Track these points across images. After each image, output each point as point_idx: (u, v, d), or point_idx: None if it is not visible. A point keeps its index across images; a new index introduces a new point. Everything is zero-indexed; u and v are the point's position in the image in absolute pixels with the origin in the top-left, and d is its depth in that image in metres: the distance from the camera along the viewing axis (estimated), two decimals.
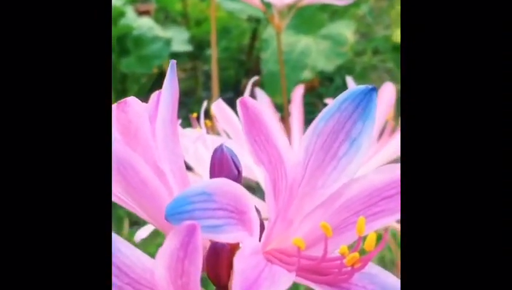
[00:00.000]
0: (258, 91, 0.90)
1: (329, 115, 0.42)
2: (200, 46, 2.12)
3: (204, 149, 0.69)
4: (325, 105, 0.43)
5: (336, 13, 2.03)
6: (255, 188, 0.75)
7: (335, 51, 1.87)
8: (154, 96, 0.47)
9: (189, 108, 1.72)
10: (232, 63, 2.18)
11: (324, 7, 1.93)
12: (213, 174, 0.43)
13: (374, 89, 0.42)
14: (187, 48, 2.04)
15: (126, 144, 0.42)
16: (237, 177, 0.43)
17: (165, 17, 2.31)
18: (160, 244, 0.36)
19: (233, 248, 0.39)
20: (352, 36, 1.90)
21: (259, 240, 0.39)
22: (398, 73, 1.98)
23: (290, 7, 1.27)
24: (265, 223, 0.42)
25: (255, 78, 0.85)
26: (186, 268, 0.35)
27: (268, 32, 1.90)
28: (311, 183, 0.42)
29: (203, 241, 0.40)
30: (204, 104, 0.76)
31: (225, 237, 0.37)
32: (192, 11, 2.16)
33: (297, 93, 0.89)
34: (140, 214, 0.44)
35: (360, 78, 2.06)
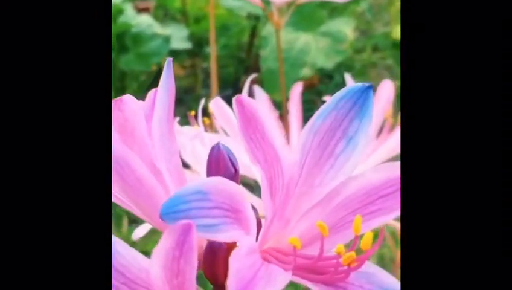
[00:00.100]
0: (257, 89, 0.90)
1: (326, 113, 0.41)
2: (199, 43, 2.12)
3: (202, 147, 0.69)
4: (324, 102, 0.43)
5: (335, 10, 2.03)
6: (253, 186, 0.74)
7: (334, 48, 1.87)
8: (150, 94, 0.47)
9: (188, 105, 1.72)
10: (231, 60, 2.18)
11: (323, 4, 1.92)
12: (210, 172, 0.43)
13: (371, 87, 0.42)
14: (186, 45, 2.03)
15: (122, 143, 0.42)
16: (234, 176, 0.42)
17: (164, 15, 2.31)
18: (158, 242, 0.36)
19: (230, 246, 0.39)
20: (351, 33, 1.90)
21: (256, 239, 0.39)
22: (398, 70, 1.98)
23: (289, 4, 1.27)
24: (263, 221, 0.42)
25: (253, 75, 0.85)
26: (181, 267, 0.34)
27: (267, 30, 1.89)
28: (308, 182, 0.42)
29: (199, 240, 0.40)
30: (202, 101, 0.75)
31: (221, 236, 0.37)
32: (192, 9, 2.16)
33: (296, 91, 0.89)
34: (137, 212, 0.44)
35: (359, 76, 2.06)
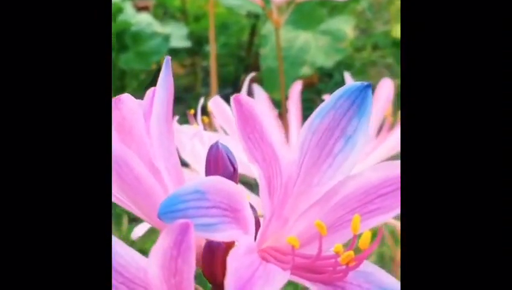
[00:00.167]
0: (256, 87, 0.90)
1: (324, 112, 0.41)
2: (199, 42, 2.11)
3: (201, 146, 0.69)
4: (323, 101, 0.43)
5: (335, 9, 2.03)
6: (252, 185, 0.74)
7: (334, 47, 1.86)
8: (149, 92, 0.47)
9: (187, 104, 1.72)
10: (231, 59, 2.18)
11: (323, 2, 1.92)
12: (208, 171, 0.43)
13: (369, 86, 0.42)
14: (186, 43, 2.03)
15: (121, 141, 0.42)
16: (233, 174, 0.42)
17: (163, 13, 2.30)
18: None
19: (229, 246, 0.39)
20: (351, 32, 1.90)
21: (255, 238, 0.39)
22: (397, 69, 1.98)
23: (288, 2, 1.27)
24: (261, 220, 0.41)
25: (252, 74, 0.85)
26: (179, 267, 0.34)
27: (267, 28, 1.89)
28: (307, 181, 0.42)
29: (198, 239, 0.40)
30: (201, 100, 0.75)
31: (219, 236, 0.36)
32: (191, 7, 2.16)
33: (295, 90, 0.89)
34: (136, 211, 0.44)
35: (359, 74, 2.06)
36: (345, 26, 1.89)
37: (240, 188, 0.40)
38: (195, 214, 0.35)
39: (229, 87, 1.95)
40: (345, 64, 1.97)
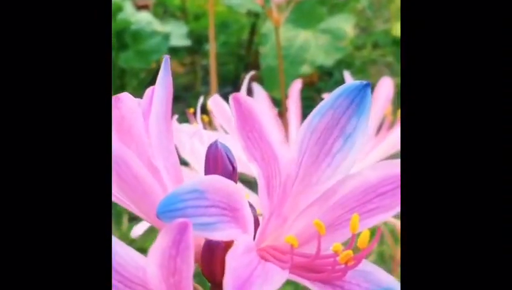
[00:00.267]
0: (255, 86, 0.90)
1: (323, 111, 0.41)
2: (198, 40, 2.11)
3: (201, 145, 0.68)
4: (323, 100, 0.43)
5: (335, 7, 2.03)
6: (252, 183, 0.74)
7: (334, 45, 1.86)
8: (148, 91, 0.47)
9: (187, 103, 1.72)
10: (231, 57, 2.18)
11: (323, 1, 1.92)
12: (208, 170, 0.43)
13: (368, 85, 0.42)
14: (186, 42, 2.03)
15: (120, 140, 0.42)
16: (232, 173, 0.42)
17: (163, 12, 2.30)
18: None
19: (228, 245, 0.39)
20: (351, 30, 1.90)
21: (254, 237, 0.39)
22: (398, 67, 1.98)
23: (288, 1, 1.26)
24: (261, 219, 0.41)
25: (252, 73, 0.85)
26: (178, 266, 0.34)
27: (267, 27, 1.89)
28: (306, 180, 0.41)
29: (197, 238, 0.40)
30: (201, 99, 0.75)
31: (218, 235, 0.36)
32: (191, 6, 2.16)
33: (295, 89, 0.89)
34: (135, 211, 0.44)
35: (359, 73, 2.06)
36: (345, 24, 1.89)
37: (239, 187, 0.40)
38: (194, 213, 0.35)
39: (229, 86, 1.95)
40: (345, 63, 1.97)
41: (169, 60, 0.44)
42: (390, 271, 0.88)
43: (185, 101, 1.84)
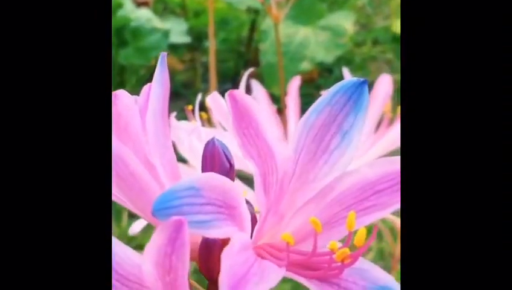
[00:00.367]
0: (254, 83, 0.89)
1: (320, 108, 0.41)
2: (198, 37, 2.11)
3: (199, 142, 0.68)
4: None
5: (335, 4, 2.02)
6: (250, 180, 0.74)
7: (334, 42, 1.86)
8: (145, 88, 0.47)
9: (187, 100, 1.72)
10: (231, 54, 2.17)
11: None
12: (205, 167, 0.43)
13: (366, 82, 0.41)
14: (185, 39, 2.03)
15: (116, 138, 0.42)
16: (229, 171, 0.42)
17: (163, 9, 2.30)
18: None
19: (225, 242, 0.39)
20: (351, 27, 1.90)
21: (251, 235, 0.39)
22: (398, 64, 1.97)
23: None
24: (258, 216, 0.41)
25: (251, 69, 0.84)
26: (173, 264, 0.34)
27: (266, 23, 1.89)
28: (303, 177, 0.41)
29: (194, 236, 0.40)
30: (199, 96, 0.75)
31: (214, 233, 0.36)
32: (191, 2, 2.16)
33: (294, 85, 0.89)
34: (132, 208, 0.44)
35: (359, 69, 2.05)
36: (345, 21, 1.88)
37: (236, 184, 0.40)
38: (190, 211, 0.35)
39: (229, 82, 1.95)
40: (345, 60, 1.97)
41: (165, 56, 0.44)
42: (389, 268, 0.88)
43: (184, 98, 1.84)
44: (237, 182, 0.67)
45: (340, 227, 0.40)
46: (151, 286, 0.36)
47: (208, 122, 0.82)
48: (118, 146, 0.41)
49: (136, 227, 0.70)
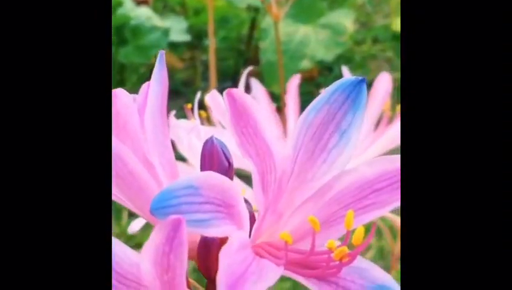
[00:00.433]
0: (254, 81, 0.89)
1: (319, 107, 0.41)
2: (198, 35, 2.11)
3: (198, 140, 0.68)
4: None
5: (335, 2, 2.02)
6: (250, 179, 0.74)
7: (334, 40, 1.86)
8: (144, 87, 0.47)
9: (187, 98, 1.72)
10: (230, 53, 2.17)
11: None
12: (203, 166, 0.43)
13: (364, 80, 0.41)
14: (185, 37, 2.03)
15: (115, 136, 0.42)
16: (228, 169, 0.42)
17: (163, 7, 2.30)
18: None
19: (224, 241, 0.39)
20: (351, 25, 1.89)
21: (250, 233, 0.39)
22: (397, 62, 1.97)
23: None
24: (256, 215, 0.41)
25: (250, 68, 0.84)
26: (171, 263, 0.34)
27: (267, 22, 1.89)
28: (301, 176, 0.41)
29: (193, 234, 0.40)
30: (198, 95, 0.75)
31: (212, 231, 0.36)
32: (191, 1, 2.15)
33: (293, 84, 0.89)
34: (131, 207, 0.44)
35: (359, 68, 2.05)
36: (345, 19, 1.88)
37: (235, 183, 0.40)
38: (188, 210, 0.35)
39: (229, 81, 1.95)
40: (345, 58, 1.97)
41: (164, 55, 0.44)
42: (389, 267, 0.88)
43: (184, 97, 1.84)
44: (236, 180, 0.67)
45: (339, 226, 0.40)
46: (149, 284, 0.36)
47: (207, 120, 0.82)
48: (117, 145, 0.40)
49: (135, 226, 0.70)
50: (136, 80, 1.95)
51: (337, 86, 0.41)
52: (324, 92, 0.41)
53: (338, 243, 0.39)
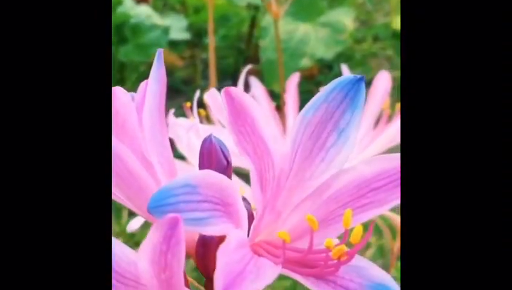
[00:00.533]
0: (253, 80, 0.89)
1: (317, 105, 0.41)
2: (198, 34, 2.11)
3: (197, 139, 0.68)
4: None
5: (335, 0, 2.02)
6: (249, 177, 0.74)
7: (334, 39, 1.86)
8: (142, 85, 0.47)
9: (187, 96, 1.71)
10: (231, 51, 2.17)
11: None
12: (202, 164, 0.43)
13: (362, 79, 0.41)
14: (185, 36, 2.03)
15: (113, 135, 0.42)
16: (226, 168, 0.42)
17: (163, 5, 2.30)
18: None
19: (222, 239, 0.39)
20: (351, 23, 1.89)
21: (249, 232, 0.39)
22: (398, 60, 1.97)
23: None
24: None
25: (249, 66, 0.84)
26: (169, 261, 0.34)
27: (267, 20, 1.88)
28: (299, 175, 0.41)
29: (192, 233, 0.39)
30: (197, 93, 0.75)
31: (210, 230, 0.36)
32: None
33: (293, 82, 0.89)
34: (130, 205, 0.44)
35: (359, 66, 2.05)
36: (345, 17, 1.88)
37: (233, 181, 0.40)
38: (186, 208, 0.35)
39: (229, 79, 1.95)
40: (345, 56, 1.96)
41: (162, 53, 0.44)
42: (389, 265, 0.87)
43: (184, 95, 1.84)
44: (235, 179, 0.67)
45: (337, 224, 0.40)
46: (147, 283, 0.36)
47: (207, 119, 0.82)
48: (115, 144, 0.40)
49: (134, 224, 0.70)
50: (136, 78, 1.95)
51: (335, 85, 0.41)
52: (322, 91, 0.41)
53: (336, 241, 0.39)
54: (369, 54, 2.17)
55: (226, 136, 0.44)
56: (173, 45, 2.01)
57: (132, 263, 0.37)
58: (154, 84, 0.43)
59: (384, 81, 0.85)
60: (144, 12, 1.92)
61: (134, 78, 1.95)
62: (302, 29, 1.88)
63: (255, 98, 0.87)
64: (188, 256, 0.41)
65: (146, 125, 0.42)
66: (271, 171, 0.40)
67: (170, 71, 2.03)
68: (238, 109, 0.39)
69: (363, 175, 0.41)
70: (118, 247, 0.38)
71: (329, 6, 1.96)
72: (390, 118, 0.84)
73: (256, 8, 2.10)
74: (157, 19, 1.91)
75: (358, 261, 0.39)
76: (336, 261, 0.38)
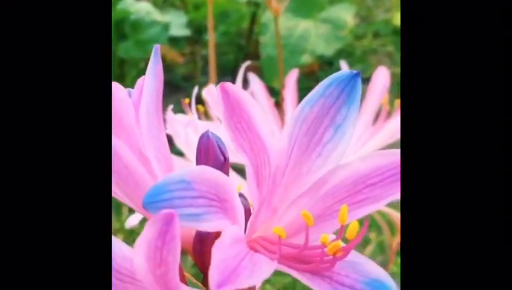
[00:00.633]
0: (252, 76, 0.89)
1: (313, 101, 0.41)
2: (198, 30, 2.11)
3: (195, 135, 0.68)
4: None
5: None
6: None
7: (335, 35, 1.86)
8: (139, 81, 0.47)
9: (187, 93, 1.71)
10: (231, 47, 2.17)
11: None
12: (199, 160, 0.43)
13: (359, 74, 0.41)
14: (185, 32, 2.02)
15: None
16: (223, 164, 0.42)
17: (163, 1, 2.30)
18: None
19: (219, 235, 0.39)
20: (352, 20, 1.89)
21: (245, 228, 0.39)
22: (398, 57, 1.97)
23: None
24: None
25: (247, 62, 0.84)
26: (164, 257, 0.34)
27: (267, 16, 1.88)
28: (296, 171, 0.41)
29: (189, 229, 0.39)
30: (195, 89, 0.75)
31: (205, 226, 0.36)
32: None
33: (292, 78, 0.89)
34: (127, 201, 0.44)
35: (360, 62, 2.05)
36: (346, 14, 1.88)
37: (230, 177, 0.39)
38: (181, 204, 0.35)
39: (229, 75, 1.95)
40: (345, 53, 1.96)
41: (159, 49, 0.43)
42: (388, 261, 0.87)
43: (184, 91, 1.84)
44: (233, 175, 0.67)
45: (333, 220, 0.40)
46: (142, 279, 0.36)
47: (205, 115, 0.82)
48: (113, 140, 0.40)
49: (132, 220, 0.70)
50: (136, 74, 1.95)
51: (331, 80, 0.41)
52: (319, 86, 0.41)
53: (332, 237, 0.39)
54: (370, 50, 2.17)
55: (223, 132, 0.44)
56: (173, 41, 2.01)
57: (127, 259, 0.37)
58: (151, 80, 0.43)
59: (382, 77, 0.85)
60: (144, 9, 1.92)
61: (134, 74, 1.95)
62: (303, 25, 1.87)
63: (254, 94, 0.87)
64: (186, 252, 0.41)
65: (143, 121, 0.42)
66: (267, 167, 0.40)
67: (170, 68, 2.03)
68: (233, 105, 0.39)
69: (359, 171, 0.40)
70: (114, 243, 0.38)
71: (330, 3, 1.96)
72: (389, 114, 0.84)
73: (256, 4, 2.10)
74: (157, 15, 1.90)
75: (354, 257, 0.39)
76: (331, 257, 0.38)
